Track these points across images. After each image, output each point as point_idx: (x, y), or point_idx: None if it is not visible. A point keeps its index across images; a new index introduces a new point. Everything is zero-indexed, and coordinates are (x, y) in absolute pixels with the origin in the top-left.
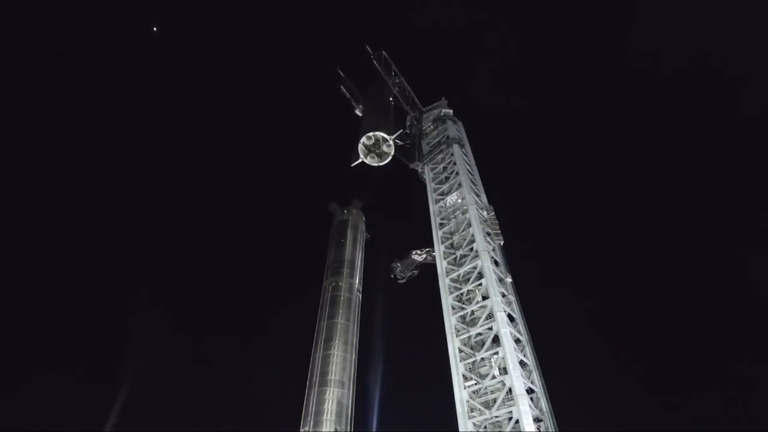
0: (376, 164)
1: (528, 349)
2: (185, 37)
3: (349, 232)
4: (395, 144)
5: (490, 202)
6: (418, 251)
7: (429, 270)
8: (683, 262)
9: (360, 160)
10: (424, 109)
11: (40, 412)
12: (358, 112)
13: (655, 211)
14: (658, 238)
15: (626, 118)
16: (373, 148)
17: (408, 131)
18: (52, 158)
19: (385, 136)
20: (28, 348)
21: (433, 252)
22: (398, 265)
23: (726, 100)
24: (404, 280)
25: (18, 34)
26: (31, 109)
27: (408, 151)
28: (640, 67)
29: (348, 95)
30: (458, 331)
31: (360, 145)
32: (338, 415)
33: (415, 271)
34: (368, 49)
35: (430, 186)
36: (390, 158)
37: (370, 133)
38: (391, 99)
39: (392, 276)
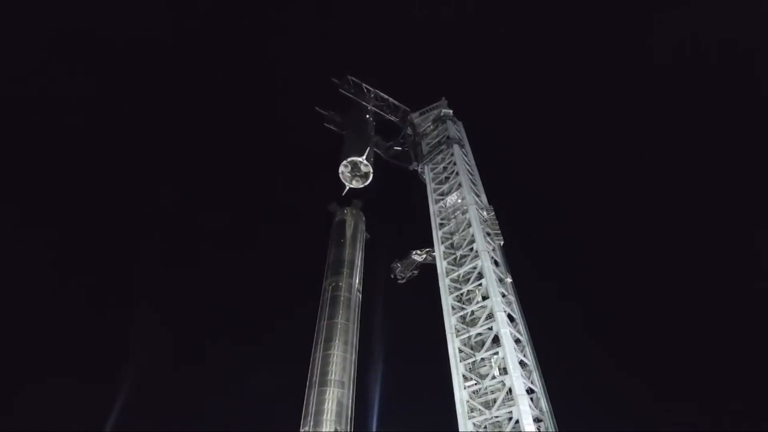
0: (363, 185)
1: (528, 349)
2: (186, 41)
3: (349, 232)
4: (393, 151)
5: (490, 202)
6: (418, 251)
7: (429, 270)
8: (684, 261)
9: (348, 188)
10: (421, 111)
11: (41, 412)
12: None
13: (656, 211)
14: (658, 238)
15: (626, 117)
16: (354, 172)
17: (406, 133)
18: (50, 158)
19: (357, 159)
20: (28, 350)
21: (433, 252)
22: (398, 265)
23: (724, 97)
24: (404, 280)
25: (16, 32)
26: (30, 111)
27: (405, 154)
28: (639, 66)
29: (334, 128)
30: (458, 331)
31: (341, 175)
32: (338, 415)
33: (415, 271)
34: (335, 80)
35: (430, 186)
36: (372, 176)
37: (345, 161)
38: (368, 116)
39: (392, 276)
